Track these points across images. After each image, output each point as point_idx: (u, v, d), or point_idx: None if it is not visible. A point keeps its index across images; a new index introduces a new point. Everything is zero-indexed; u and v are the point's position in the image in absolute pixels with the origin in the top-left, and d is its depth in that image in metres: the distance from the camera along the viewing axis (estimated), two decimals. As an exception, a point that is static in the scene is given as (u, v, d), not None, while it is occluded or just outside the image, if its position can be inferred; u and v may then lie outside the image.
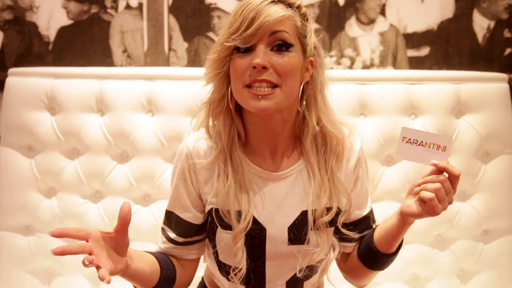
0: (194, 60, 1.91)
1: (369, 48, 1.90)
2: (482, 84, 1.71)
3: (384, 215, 1.65)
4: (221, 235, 1.11)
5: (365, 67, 1.90)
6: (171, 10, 1.90)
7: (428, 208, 0.99)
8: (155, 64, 1.91)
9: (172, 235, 1.15)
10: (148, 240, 1.70)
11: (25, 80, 1.75)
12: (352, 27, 1.89)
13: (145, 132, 1.67)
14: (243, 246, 1.07)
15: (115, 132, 1.69)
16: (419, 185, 1.01)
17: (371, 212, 1.22)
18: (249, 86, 0.98)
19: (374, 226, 1.20)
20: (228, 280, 1.14)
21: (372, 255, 1.13)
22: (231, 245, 1.08)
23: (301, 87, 1.06)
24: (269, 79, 0.97)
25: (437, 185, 0.97)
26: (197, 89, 1.64)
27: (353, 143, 1.15)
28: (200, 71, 1.69)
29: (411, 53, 1.88)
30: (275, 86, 0.98)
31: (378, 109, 1.67)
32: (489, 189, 1.70)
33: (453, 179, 0.99)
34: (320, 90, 1.09)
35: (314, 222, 1.09)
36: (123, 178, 1.70)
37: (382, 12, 1.87)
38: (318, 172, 1.09)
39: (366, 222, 1.19)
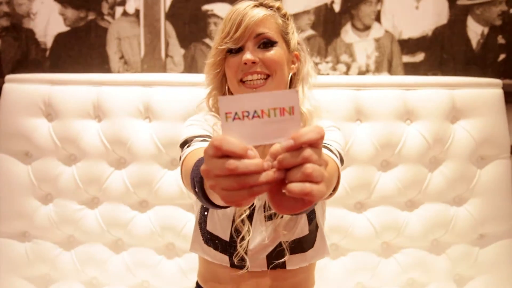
0: (190, 66, 1.92)
1: (364, 54, 1.91)
2: (477, 90, 1.72)
3: (380, 221, 1.68)
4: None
5: (360, 73, 1.91)
6: (168, 16, 1.91)
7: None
8: (152, 71, 1.92)
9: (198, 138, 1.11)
10: (145, 246, 1.71)
11: (22, 86, 1.75)
12: (348, 34, 1.91)
13: (142, 138, 1.68)
14: (246, 218, 1.16)
15: (112, 138, 1.69)
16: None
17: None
18: (243, 81, 1.14)
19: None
20: (215, 249, 1.19)
21: None
22: (228, 217, 1.16)
23: (289, 77, 1.20)
24: (260, 70, 1.13)
25: (308, 168, 0.61)
26: (194, 95, 1.68)
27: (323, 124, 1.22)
28: (197, 77, 1.73)
29: (406, 59, 1.89)
30: (267, 76, 1.14)
31: (374, 114, 1.68)
32: (484, 193, 1.71)
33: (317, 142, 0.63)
34: (302, 79, 1.22)
35: None
36: (120, 184, 1.70)
37: (378, 19, 1.89)
38: None
39: None
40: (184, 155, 1.06)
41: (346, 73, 1.91)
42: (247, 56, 1.12)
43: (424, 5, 1.87)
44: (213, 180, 0.63)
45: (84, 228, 1.72)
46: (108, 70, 1.92)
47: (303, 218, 1.18)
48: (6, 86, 1.76)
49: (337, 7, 1.89)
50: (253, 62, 1.12)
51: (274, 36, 1.15)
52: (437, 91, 1.71)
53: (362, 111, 1.69)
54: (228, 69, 1.17)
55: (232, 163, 0.60)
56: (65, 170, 1.73)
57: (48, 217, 1.73)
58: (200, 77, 1.71)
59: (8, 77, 1.78)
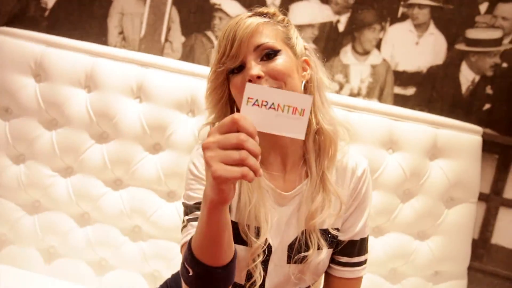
0: (188, 55, 1.91)
1: (359, 78, 1.95)
2: (458, 133, 1.77)
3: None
4: None
5: (351, 94, 1.95)
6: (175, 2, 1.90)
7: None
8: (148, 52, 1.89)
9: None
10: (111, 224, 1.69)
11: (15, 41, 1.71)
12: (347, 55, 1.94)
13: (130, 117, 1.66)
14: (260, 262, 1.06)
15: (99, 111, 1.67)
16: None
17: (360, 240, 1.17)
18: None
19: (360, 256, 1.18)
20: None
21: None
22: (243, 261, 1.06)
23: (303, 86, 1.07)
24: (268, 86, 0.99)
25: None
26: (189, 84, 1.68)
27: (358, 165, 1.15)
28: (196, 67, 1.73)
29: (398, 90, 1.94)
30: None
31: (360, 138, 1.71)
32: (447, 233, 1.77)
33: None
34: (317, 87, 1.10)
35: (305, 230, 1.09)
36: (98, 158, 1.68)
37: (378, 46, 1.93)
38: (315, 173, 1.09)
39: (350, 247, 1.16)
40: (183, 240, 1.01)
41: (338, 92, 1.94)
42: (250, 72, 0.98)
43: (424, 42, 1.92)
44: (214, 152, 0.71)
45: (52, 196, 1.68)
46: (104, 42, 1.89)
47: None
48: (-2, 38, 1.72)
49: (341, 27, 1.93)
50: (259, 77, 0.98)
51: (275, 44, 1.02)
52: (422, 127, 1.75)
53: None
54: (233, 90, 1.04)
55: (244, 136, 0.71)
56: (44, 133, 1.70)
57: (17, 177, 1.69)
58: (199, 68, 1.72)
59: (2, 29, 1.74)
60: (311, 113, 1.08)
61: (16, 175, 1.69)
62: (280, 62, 1.01)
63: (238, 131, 0.72)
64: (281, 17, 1.09)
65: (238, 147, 0.71)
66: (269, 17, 1.06)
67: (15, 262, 1.66)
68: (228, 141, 0.71)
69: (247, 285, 1.09)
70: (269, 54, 1.01)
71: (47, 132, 1.70)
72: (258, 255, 1.06)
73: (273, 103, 0.75)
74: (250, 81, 0.98)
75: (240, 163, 0.70)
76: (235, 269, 0.92)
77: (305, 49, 1.12)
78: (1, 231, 1.71)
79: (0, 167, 1.69)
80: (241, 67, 1.02)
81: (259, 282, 1.07)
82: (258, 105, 0.75)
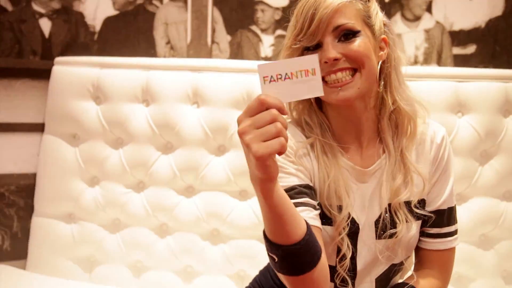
0: (236, 53, 1.91)
1: (413, 45, 1.87)
2: (531, 84, 1.67)
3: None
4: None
5: (408, 64, 1.87)
6: (215, 2, 1.90)
7: None
8: (197, 56, 1.91)
9: None
10: (190, 231, 1.71)
11: (71, 69, 1.77)
12: (397, 24, 1.87)
13: (190, 123, 1.68)
14: (346, 236, 1.05)
15: (160, 122, 1.69)
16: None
17: (448, 209, 1.13)
18: (325, 80, 0.98)
19: (450, 226, 1.14)
20: None
21: None
22: (331, 240, 1.06)
23: (379, 66, 1.05)
24: (344, 67, 0.98)
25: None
26: (242, 82, 1.67)
27: (436, 133, 1.10)
28: (245, 63, 1.73)
29: (457, 51, 1.85)
30: (354, 71, 0.99)
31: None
32: (536, 190, 1.67)
33: None
34: (394, 67, 1.07)
35: (390, 205, 1.07)
36: (166, 168, 1.71)
37: (429, 9, 1.85)
38: (393, 151, 1.07)
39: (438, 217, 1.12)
40: None
41: (394, 63, 1.88)
42: (327, 54, 0.97)
43: (479, -4, 1.82)
44: (252, 134, 0.74)
45: (129, 212, 1.73)
46: (154, 55, 1.92)
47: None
48: (55, 69, 1.78)
49: (387, -4, 1.86)
50: (336, 59, 0.97)
51: (355, 25, 0.98)
52: (490, 84, 1.67)
53: (413, 102, 1.66)
54: None
55: (275, 111, 0.74)
56: (112, 153, 1.74)
57: (94, 199, 1.74)
58: (247, 64, 1.72)
59: (58, 59, 1.80)
60: (386, 93, 1.06)
61: (93, 197, 1.75)
62: (358, 43, 0.98)
63: (267, 109, 0.75)
64: None
65: (273, 122, 0.74)
66: None
67: (107, 281, 1.71)
68: (263, 119, 0.74)
69: (337, 260, 1.07)
70: (348, 35, 0.99)
71: (114, 152, 1.74)
72: (344, 228, 1.04)
73: (286, 73, 0.79)
74: (326, 63, 0.97)
75: (278, 135, 0.73)
76: (315, 240, 0.90)
77: (384, 25, 1.08)
78: (89, 253, 1.77)
79: (78, 191, 1.75)
80: (317, 46, 1.00)
81: (348, 255, 1.05)
82: (275, 80, 0.78)
